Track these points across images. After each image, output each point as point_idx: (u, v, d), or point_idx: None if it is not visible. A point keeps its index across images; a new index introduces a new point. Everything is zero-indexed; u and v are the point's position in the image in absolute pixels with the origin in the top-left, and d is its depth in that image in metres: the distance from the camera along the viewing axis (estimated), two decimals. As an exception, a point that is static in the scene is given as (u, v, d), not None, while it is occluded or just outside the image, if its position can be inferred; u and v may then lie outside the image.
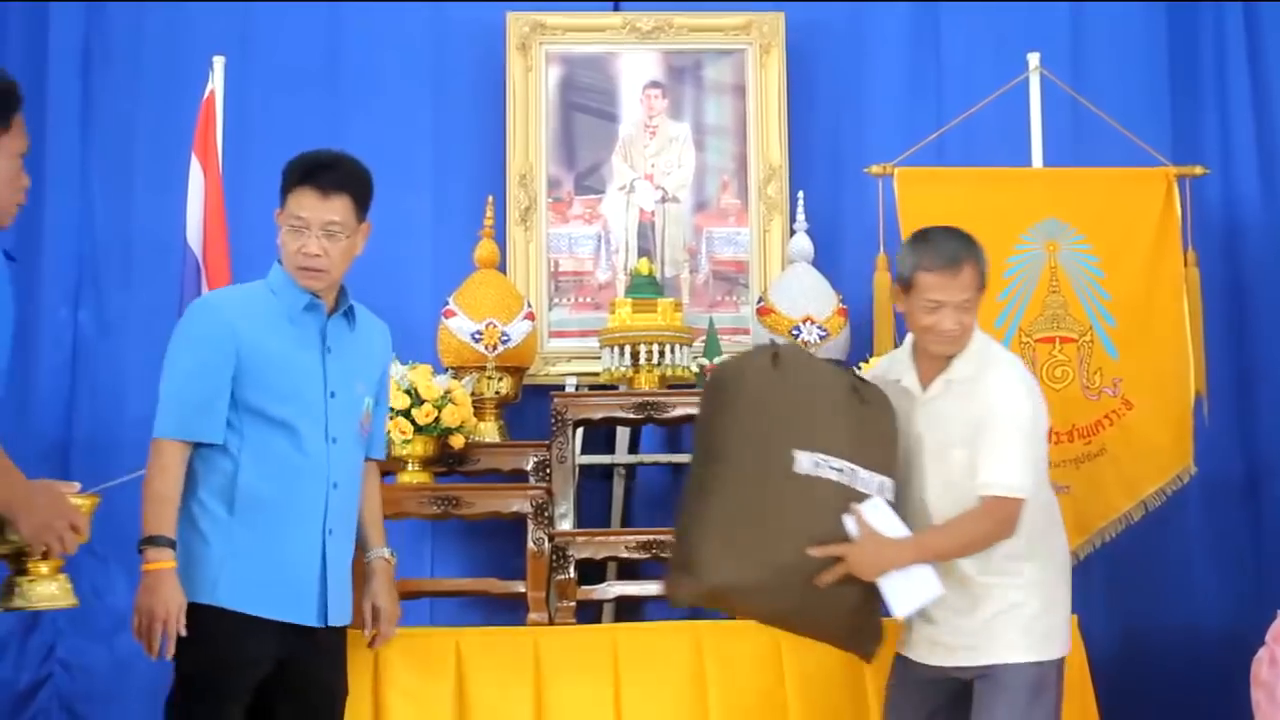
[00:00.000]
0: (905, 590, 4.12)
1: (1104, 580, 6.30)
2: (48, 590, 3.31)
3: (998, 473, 4.12)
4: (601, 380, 6.15)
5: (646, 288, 6.13)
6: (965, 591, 4.21)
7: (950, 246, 4.24)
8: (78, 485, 3.43)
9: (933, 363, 4.29)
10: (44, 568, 3.29)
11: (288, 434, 4.06)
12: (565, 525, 5.68)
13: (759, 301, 6.27)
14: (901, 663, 4.44)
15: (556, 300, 6.56)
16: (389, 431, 5.51)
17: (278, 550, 4.03)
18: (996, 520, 4.11)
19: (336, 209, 4.14)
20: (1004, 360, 4.29)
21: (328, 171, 4.15)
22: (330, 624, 4.17)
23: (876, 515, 4.10)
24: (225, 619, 3.96)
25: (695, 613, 6.09)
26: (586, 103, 6.70)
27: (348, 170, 4.21)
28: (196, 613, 3.92)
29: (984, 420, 4.15)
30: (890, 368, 4.45)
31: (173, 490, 3.96)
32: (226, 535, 3.99)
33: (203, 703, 3.96)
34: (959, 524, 4.15)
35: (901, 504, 4.21)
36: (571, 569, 5.49)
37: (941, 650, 4.29)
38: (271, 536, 4.02)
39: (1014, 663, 4.18)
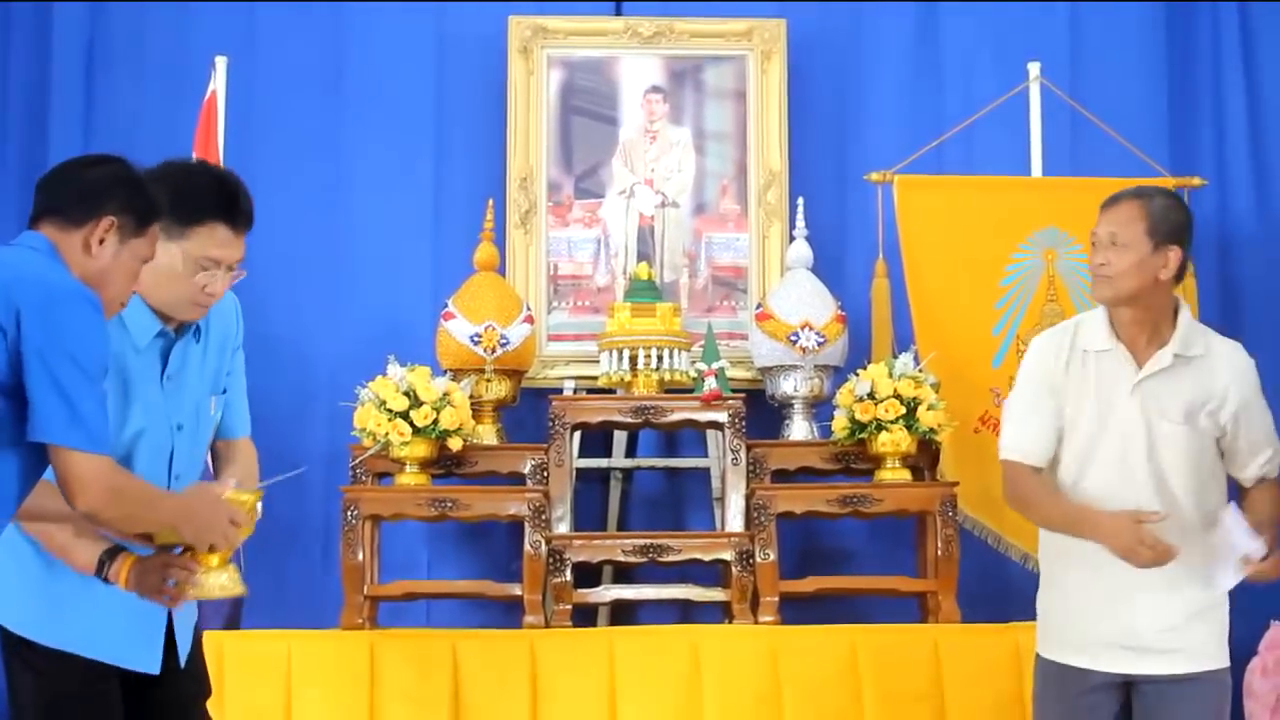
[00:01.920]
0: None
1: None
2: (218, 581, 3.44)
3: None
4: (600, 384, 6.15)
5: (645, 292, 6.14)
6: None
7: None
8: (233, 481, 3.49)
9: (1142, 335, 4.12)
10: (214, 560, 3.40)
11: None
12: (562, 528, 5.70)
13: (758, 307, 6.28)
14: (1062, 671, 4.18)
15: (555, 304, 6.57)
16: (387, 434, 5.52)
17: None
18: None
19: (242, 247, 3.68)
20: (1223, 338, 4.23)
21: (245, 209, 3.68)
22: None
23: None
24: None
25: (690, 616, 6.12)
26: (587, 107, 6.71)
27: (251, 205, 3.74)
28: None
29: (1244, 401, 4.12)
30: (1075, 339, 4.18)
31: None
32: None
33: None
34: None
35: (1106, 486, 4.07)
36: (568, 572, 5.51)
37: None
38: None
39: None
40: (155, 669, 3.62)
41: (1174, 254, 4.01)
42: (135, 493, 3.19)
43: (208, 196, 3.62)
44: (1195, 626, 4.03)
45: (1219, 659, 4.08)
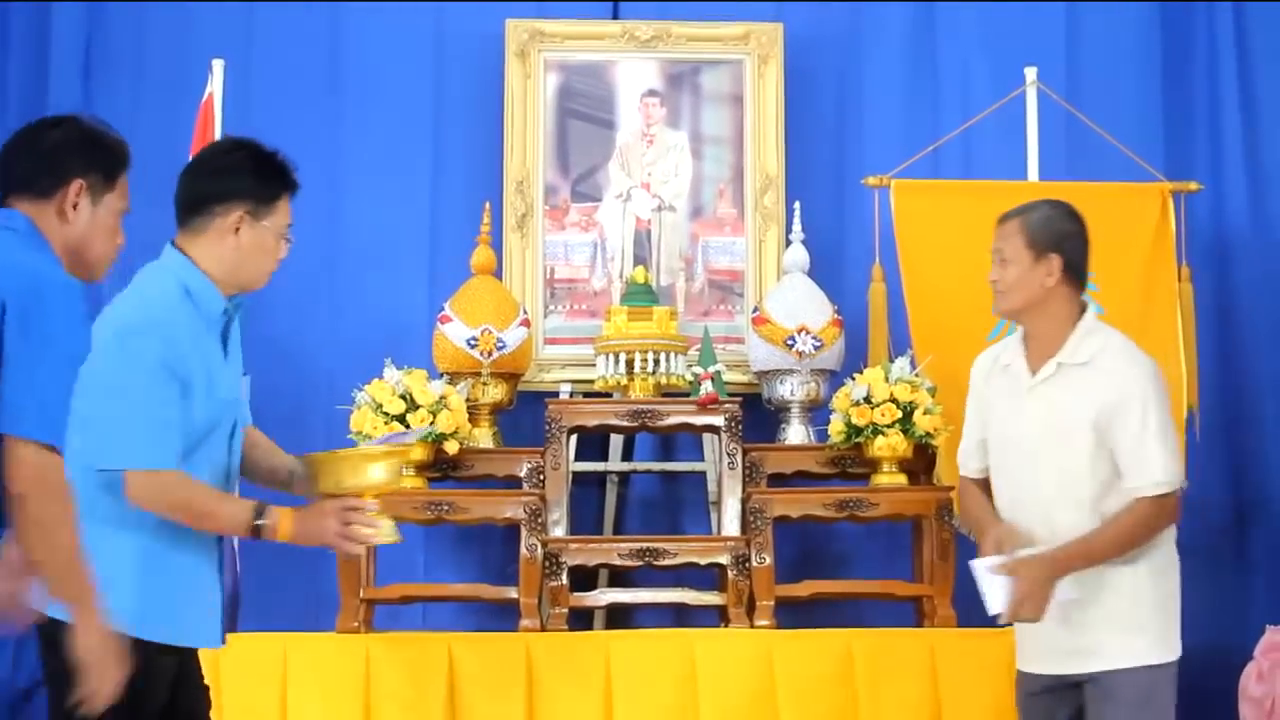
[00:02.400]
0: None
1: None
2: (389, 526, 3.76)
3: (1147, 470, 4.02)
4: (596, 388, 6.16)
5: (642, 296, 6.14)
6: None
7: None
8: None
9: (1040, 345, 4.16)
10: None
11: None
12: (558, 532, 5.70)
13: (754, 311, 6.29)
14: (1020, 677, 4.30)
15: (552, 307, 6.57)
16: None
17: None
18: (1156, 515, 4.02)
19: None
20: (1125, 345, 4.16)
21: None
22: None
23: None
24: None
25: (686, 620, 6.12)
26: (584, 110, 6.71)
27: None
28: None
29: (1118, 410, 4.03)
30: (1000, 353, 4.30)
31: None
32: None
33: None
34: (1118, 526, 4.01)
35: (1012, 495, 4.13)
36: (564, 576, 5.51)
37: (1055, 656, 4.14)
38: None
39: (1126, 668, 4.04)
40: (219, 643, 3.72)
41: (1055, 261, 4.09)
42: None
43: (278, 172, 3.77)
44: (1107, 626, 4.04)
45: (1139, 657, 4.05)
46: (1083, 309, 4.16)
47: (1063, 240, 4.13)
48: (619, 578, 6.12)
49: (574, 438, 6.02)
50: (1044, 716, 4.18)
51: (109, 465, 3.49)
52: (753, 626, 5.49)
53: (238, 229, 3.70)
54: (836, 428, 5.81)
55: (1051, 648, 4.11)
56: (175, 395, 3.54)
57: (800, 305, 6.16)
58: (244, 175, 3.74)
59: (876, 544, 6.43)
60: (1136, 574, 4.04)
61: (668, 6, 6.84)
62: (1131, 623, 4.05)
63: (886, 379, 5.75)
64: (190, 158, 5.89)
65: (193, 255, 3.71)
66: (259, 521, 3.58)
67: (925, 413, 5.71)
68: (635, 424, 5.88)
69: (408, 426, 5.50)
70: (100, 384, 3.38)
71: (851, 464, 5.89)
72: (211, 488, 3.63)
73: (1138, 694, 4.01)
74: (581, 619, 5.91)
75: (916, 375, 5.78)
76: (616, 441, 6.33)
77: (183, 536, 3.58)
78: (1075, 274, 4.14)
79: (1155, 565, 4.09)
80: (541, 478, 5.72)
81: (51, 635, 3.36)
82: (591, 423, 5.92)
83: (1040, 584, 3.95)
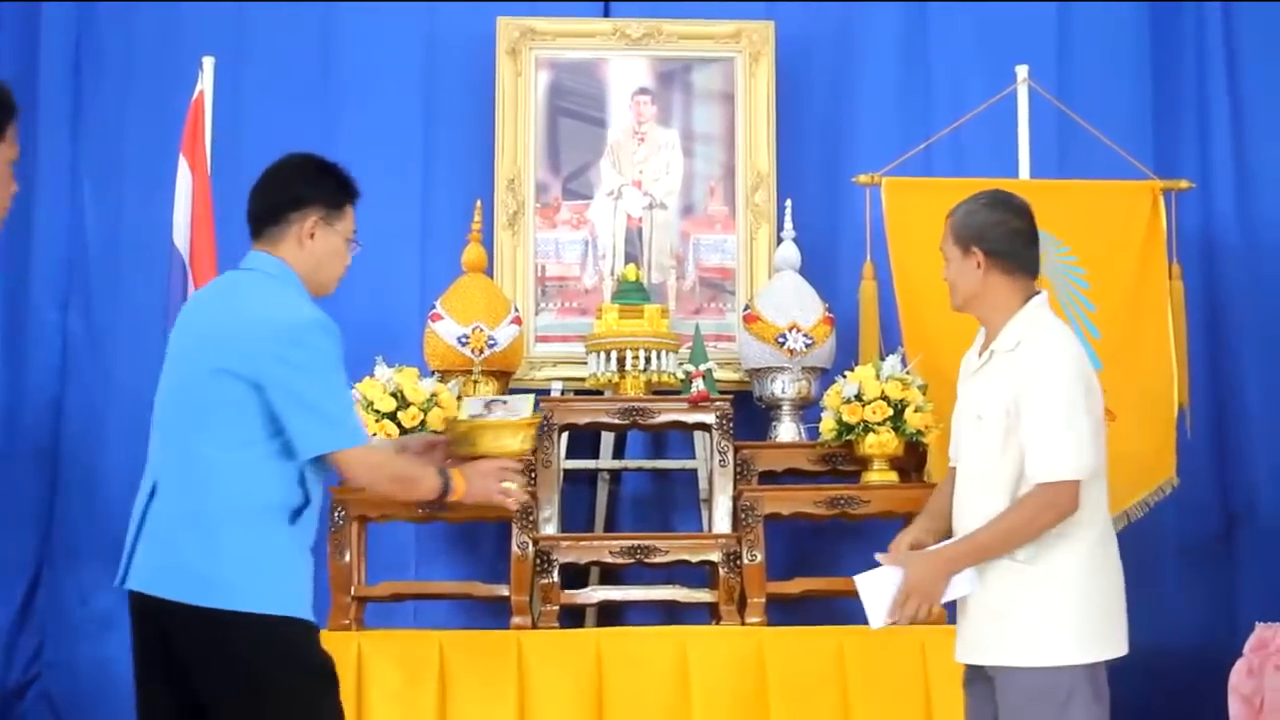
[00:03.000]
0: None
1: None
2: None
3: (1044, 457, 3.92)
4: (587, 385, 6.16)
5: (633, 294, 6.15)
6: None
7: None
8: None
9: (989, 335, 4.17)
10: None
11: None
12: (549, 529, 5.70)
13: (745, 309, 6.29)
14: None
15: (543, 305, 6.57)
16: (374, 435, 5.52)
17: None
18: (1046, 506, 3.90)
19: None
20: (1048, 330, 4.09)
21: None
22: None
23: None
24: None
25: (677, 617, 6.12)
26: (575, 108, 6.72)
27: None
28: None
29: (1024, 396, 3.97)
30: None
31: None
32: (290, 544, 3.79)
33: None
34: (1007, 518, 3.94)
35: (956, 485, 4.14)
36: (555, 573, 5.51)
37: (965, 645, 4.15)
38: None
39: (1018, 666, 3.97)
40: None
41: (977, 253, 4.11)
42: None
43: (345, 180, 4.01)
44: (988, 621, 4.01)
45: (1023, 656, 3.95)
46: (1029, 295, 4.13)
47: (984, 231, 4.13)
48: (610, 575, 6.13)
49: (565, 435, 6.02)
50: (975, 705, 4.13)
51: (325, 449, 3.72)
52: (744, 624, 5.50)
53: (313, 234, 3.89)
54: (827, 425, 5.82)
55: (959, 636, 4.14)
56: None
57: (791, 303, 6.16)
58: (315, 182, 3.96)
59: (867, 541, 6.41)
60: (1025, 571, 3.93)
61: (659, 5, 6.85)
62: (1019, 621, 3.95)
63: (877, 376, 5.75)
64: (181, 155, 5.95)
65: (279, 258, 3.89)
66: (446, 483, 3.91)
67: (916, 410, 5.71)
68: (626, 421, 5.88)
69: (399, 425, 5.50)
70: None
71: (842, 461, 5.89)
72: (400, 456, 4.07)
73: (1022, 694, 3.93)
74: (573, 616, 5.91)
75: (907, 373, 5.79)
76: (608, 439, 6.33)
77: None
78: (1008, 261, 4.12)
79: (1062, 566, 3.94)
80: (533, 475, 5.72)
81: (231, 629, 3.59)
82: (583, 420, 5.92)
83: (925, 580, 3.95)
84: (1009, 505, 3.95)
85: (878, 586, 4.02)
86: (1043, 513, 3.90)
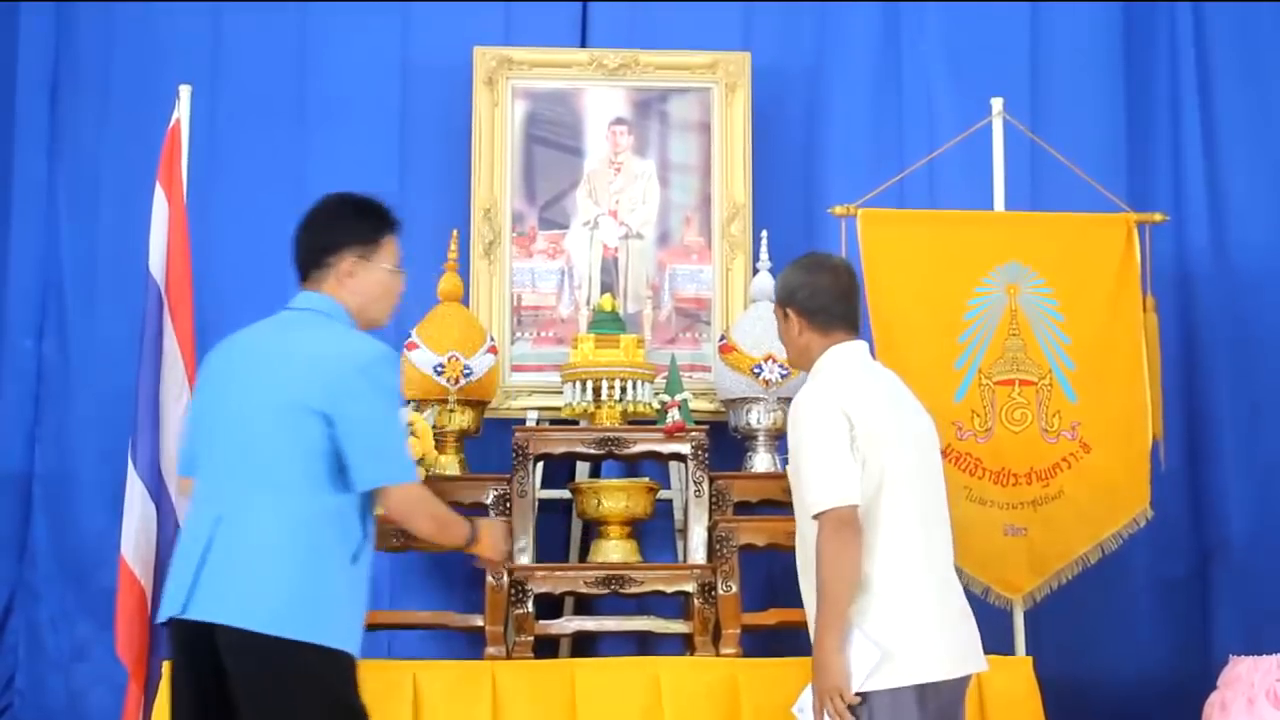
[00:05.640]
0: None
1: (1054, 623, 6.30)
2: None
3: (806, 497, 4.09)
4: (563, 415, 6.15)
5: (609, 323, 6.14)
6: None
7: None
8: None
9: None
10: None
11: None
12: (524, 559, 5.69)
13: (721, 339, 6.29)
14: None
15: (519, 334, 6.57)
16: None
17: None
18: (829, 538, 3.98)
19: None
20: (812, 378, 4.26)
21: None
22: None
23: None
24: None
25: (651, 648, 6.11)
26: (552, 138, 6.72)
27: None
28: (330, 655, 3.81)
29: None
30: None
31: None
32: (352, 580, 3.91)
33: None
34: (818, 567, 4.03)
35: None
36: (530, 603, 5.50)
37: None
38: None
39: None
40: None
41: (792, 314, 4.30)
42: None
43: (379, 214, 4.13)
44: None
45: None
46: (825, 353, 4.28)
47: (793, 293, 4.31)
48: (584, 605, 6.11)
49: (540, 465, 6.02)
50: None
51: (382, 482, 3.89)
52: (718, 655, 5.49)
53: (352, 273, 4.01)
54: (803, 456, 5.81)
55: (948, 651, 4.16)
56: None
57: (767, 333, 6.15)
58: (348, 222, 4.06)
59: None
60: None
61: (636, 35, 6.86)
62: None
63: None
64: (157, 183, 5.94)
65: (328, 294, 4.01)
66: (474, 532, 4.12)
67: (891, 441, 5.71)
68: (602, 451, 5.88)
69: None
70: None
71: (818, 492, 5.88)
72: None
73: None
74: (547, 647, 5.89)
75: (883, 404, 5.78)
76: (583, 469, 6.32)
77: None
78: (819, 319, 4.27)
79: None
80: (508, 505, 5.71)
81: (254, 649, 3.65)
82: (558, 450, 5.91)
83: (821, 678, 3.95)
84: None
85: (807, 704, 4.04)
86: (827, 543, 3.99)
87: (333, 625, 3.76)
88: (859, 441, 4.05)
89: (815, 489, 4.04)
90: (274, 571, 3.68)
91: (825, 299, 4.27)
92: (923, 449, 4.23)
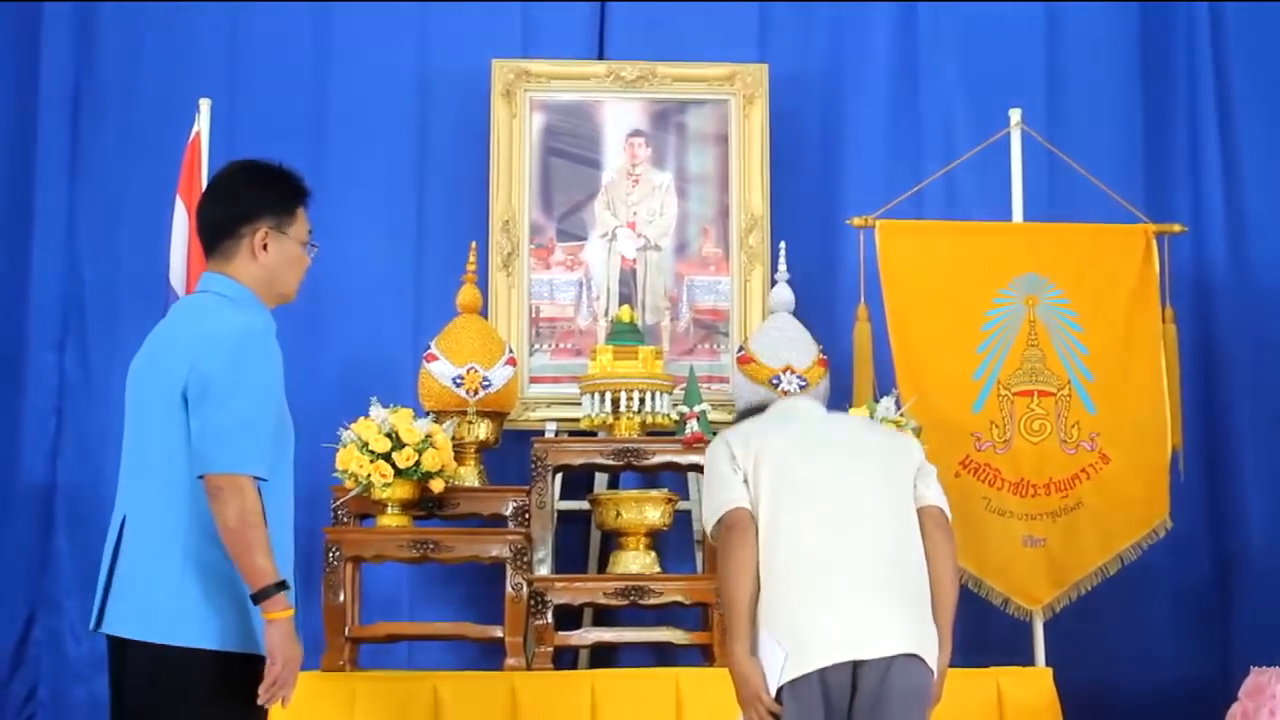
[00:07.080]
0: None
1: (1074, 634, 6.29)
2: None
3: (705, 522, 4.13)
4: (581, 426, 6.16)
5: (627, 335, 6.15)
6: None
7: None
8: None
9: None
10: None
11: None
12: (543, 570, 5.70)
13: (739, 350, 6.30)
14: None
15: (538, 346, 6.58)
16: (369, 476, 5.52)
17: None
18: (717, 550, 4.04)
19: None
20: None
21: None
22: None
23: None
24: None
25: (671, 659, 6.11)
26: (570, 150, 6.73)
27: None
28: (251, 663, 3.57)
29: None
30: None
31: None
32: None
33: None
34: None
35: None
36: (549, 614, 5.50)
37: None
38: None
39: None
40: None
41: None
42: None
43: (291, 183, 3.84)
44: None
45: None
46: None
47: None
48: (603, 616, 6.11)
49: (559, 476, 6.03)
50: None
51: (213, 470, 3.49)
52: (738, 666, 5.48)
53: (265, 245, 3.74)
54: (821, 467, 5.81)
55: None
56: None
57: (785, 344, 6.18)
58: (260, 192, 3.79)
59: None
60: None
61: (653, 47, 6.86)
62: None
63: (872, 418, 5.75)
64: (178, 196, 5.96)
65: (231, 276, 3.73)
66: (277, 591, 3.48)
67: (909, 452, 5.71)
68: (620, 463, 5.88)
69: (393, 466, 5.51)
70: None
71: (836, 503, 5.88)
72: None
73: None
74: (566, 658, 5.90)
75: (901, 415, 5.79)
76: (602, 480, 6.33)
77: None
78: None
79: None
80: (527, 516, 5.72)
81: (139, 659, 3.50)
82: (577, 461, 5.92)
83: (739, 690, 3.94)
84: None
85: None
86: (720, 551, 3.98)
87: (218, 626, 3.49)
88: (738, 459, 4.03)
89: (705, 512, 4.09)
90: (162, 577, 3.48)
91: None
92: (847, 458, 4.09)
